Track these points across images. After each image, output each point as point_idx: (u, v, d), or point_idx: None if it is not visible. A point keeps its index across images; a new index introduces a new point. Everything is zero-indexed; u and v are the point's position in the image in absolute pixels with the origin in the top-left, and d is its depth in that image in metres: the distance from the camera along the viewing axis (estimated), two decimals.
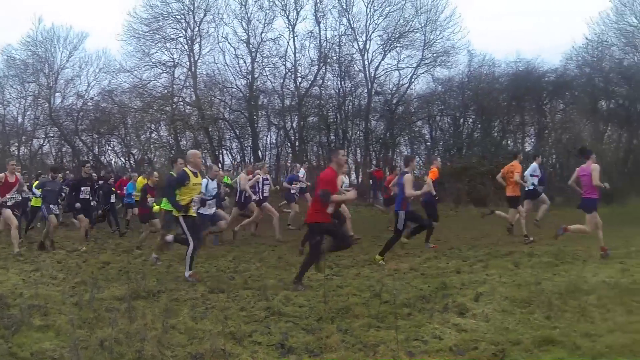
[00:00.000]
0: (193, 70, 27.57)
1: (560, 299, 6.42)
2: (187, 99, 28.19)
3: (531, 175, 12.76)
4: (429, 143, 29.00)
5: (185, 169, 8.52)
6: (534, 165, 13.12)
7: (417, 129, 29.41)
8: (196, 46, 27.74)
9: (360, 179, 27.38)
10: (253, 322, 5.82)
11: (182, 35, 27.41)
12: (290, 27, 27.81)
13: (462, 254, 10.57)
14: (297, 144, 28.31)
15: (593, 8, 65.13)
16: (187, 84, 28.04)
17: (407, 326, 5.51)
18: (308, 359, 4.74)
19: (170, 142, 29.16)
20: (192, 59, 27.61)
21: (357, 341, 5.07)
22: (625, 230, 12.67)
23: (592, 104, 28.21)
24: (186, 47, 27.62)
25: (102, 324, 5.60)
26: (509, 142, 29.19)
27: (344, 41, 28.25)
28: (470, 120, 29.35)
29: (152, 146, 28.89)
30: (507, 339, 5.03)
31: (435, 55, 28.19)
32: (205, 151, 27.92)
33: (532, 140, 29.27)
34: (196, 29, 27.47)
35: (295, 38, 28.03)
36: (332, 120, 29.01)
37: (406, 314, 6.01)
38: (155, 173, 13.61)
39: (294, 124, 28.76)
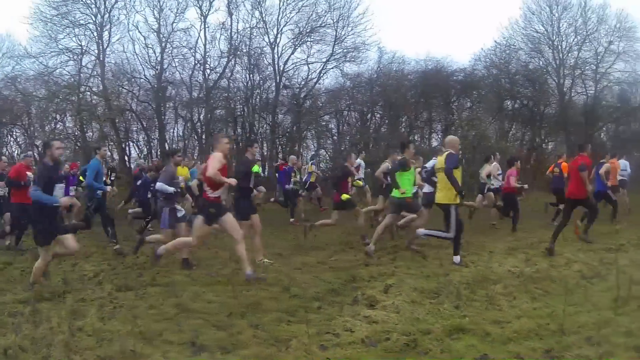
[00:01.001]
0: (101, 58, 26.18)
1: (469, 288, 6.65)
2: (94, 89, 26.81)
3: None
4: (335, 137, 29.26)
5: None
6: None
7: (324, 123, 29.52)
8: (105, 33, 26.27)
9: (267, 173, 27.21)
10: (163, 320, 5.59)
11: (91, 21, 25.92)
12: (202, 17, 27.02)
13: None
14: (204, 136, 27.68)
15: (503, 14, 69.13)
16: (95, 72, 26.59)
17: (318, 320, 5.49)
18: (220, 356, 4.62)
19: (76, 133, 27.62)
20: (100, 47, 26.18)
21: (269, 336, 5.01)
22: (527, 222, 13.31)
23: (498, 104, 29.81)
24: (95, 34, 26.12)
25: (5, 330, 5.20)
26: (416, 137, 29.90)
27: (255, 34, 27.86)
28: (378, 115, 29.87)
29: (56, 137, 27.23)
30: (418, 328, 5.11)
31: (345, 51, 28.38)
32: (112, 143, 26.80)
33: (439, 136, 30.22)
34: (106, 15, 26.01)
35: (207, 29, 27.35)
36: (239, 113, 28.65)
37: (316, 307, 6.00)
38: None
39: (201, 117, 28.17)
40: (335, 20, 27.78)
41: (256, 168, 9.52)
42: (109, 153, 25.40)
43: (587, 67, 31.21)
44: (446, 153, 8.65)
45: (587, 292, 6.34)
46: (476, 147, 24.64)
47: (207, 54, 27.41)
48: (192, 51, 27.27)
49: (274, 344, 4.80)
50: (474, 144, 24.83)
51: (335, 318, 5.53)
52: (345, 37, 28.18)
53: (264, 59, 28.28)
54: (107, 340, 4.89)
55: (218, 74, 27.48)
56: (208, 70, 27.54)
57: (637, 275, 7.02)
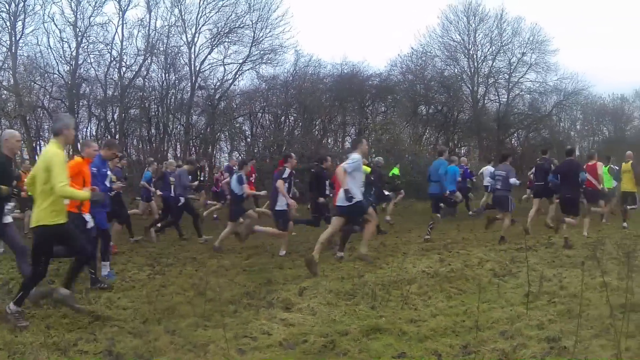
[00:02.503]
0: (13, 50, 24.72)
1: (384, 289, 6.73)
2: (4, 83, 25.19)
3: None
4: (249, 139, 29.13)
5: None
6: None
7: (238, 125, 29.40)
8: (19, 24, 24.71)
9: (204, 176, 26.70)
10: (77, 329, 5.30)
11: (4, 9, 24.25)
12: (120, 12, 26.03)
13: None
14: (117, 136, 26.66)
15: (421, 22, 71.66)
16: (6, 65, 25.06)
17: (234, 324, 5.41)
18: None
19: None
20: (13, 38, 24.63)
21: (186, 342, 4.89)
22: (442, 224, 13.66)
23: (413, 108, 30.78)
24: (8, 23, 24.50)
25: None
26: (329, 140, 30.45)
27: (173, 32, 27.37)
28: (292, 118, 30.05)
29: None
30: (335, 330, 5.14)
31: (262, 52, 28.48)
32: (22, 142, 25.13)
33: (353, 139, 30.73)
34: (21, 4, 24.49)
35: (125, 25, 26.42)
36: (154, 113, 28.04)
37: (232, 311, 5.92)
38: None
39: (115, 116, 27.18)
40: (254, 22, 27.87)
41: None
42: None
43: (500, 76, 33.12)
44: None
45: (500, 290, 6.59)
46: (389, 150, 25.23)
47: (124, 51, 26.69)
48: (108, 47, 26.34)
49: (192, 350, 4.70)
50: (388, 147, 25.44)
51: (251, 321, 5.48)
52: (263, 39, 28.34)
53: (181, 58, 27.98)
54: (20, 354, 4.58)
55: (134, 72, 26.77)
56: (124, 68, 26.80)
57: (546, 272, 7.45)
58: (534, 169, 14.08)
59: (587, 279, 6.66)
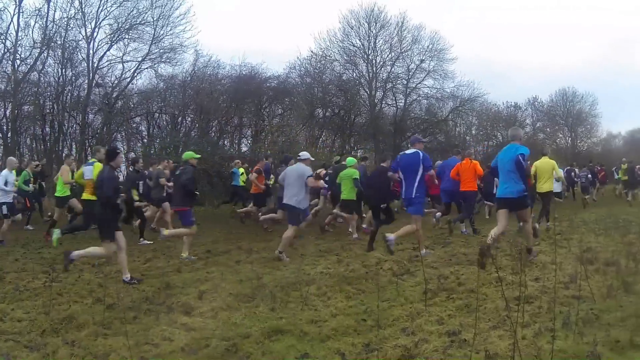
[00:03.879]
0: None
1: (283, 291, 6.76)
2: None
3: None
4: (145, 140, 28.32)
5: None
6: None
7: (134, 125, 28.70)
8: None
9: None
10: None
11: None
12: (16, 0, 24.53)
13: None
14: (9, 135, 25.02)
15: (322, 25, 72.81)
16: None
17: (135, 330, 5.22)
18: None
19: None
20: None
21: (87, 352, 4.67)
22: (341, 225, 14.04)
23: (310, 111, 31.03)
24: None
25: None
26: (225, 142, 30.22)
27: (72, 25, 26.06)
28: (189, 119, 29.60)
29: None
30: (237, 333, 5.09)
31: (162, 51, 27.97)
32: None
33: (249, 141, 30.77)
34: None
35: (21, 14, 24.79)
36: (48, 110, 26.58)
37: (132, 317, 5.69)
38: None
39: (8, 113, 25.43)
40: (155, 19, 27.30)
41: None
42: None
43: (398, 82, 34.40)
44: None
45: (399, 288, 6.72)
46: (285, 152, 25.41)
47: (19, 42, 25.13)
48: (2, 37, 24.67)
49: None
50: (284, 149, 25.59)
51: (152, 327, 5.33)
52: (164, 37, 27.87)
53: (79, 53, 26.78)
54: None
55: (29, 66, 25.29)
56: (18, 61, 25.20)
57: (444, 270, 7.76)
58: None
59: (483, 275, 7.00)
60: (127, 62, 27.73)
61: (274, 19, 62.12)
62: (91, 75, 26.70)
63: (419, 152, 9.30)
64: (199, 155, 10.52)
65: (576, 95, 47.01)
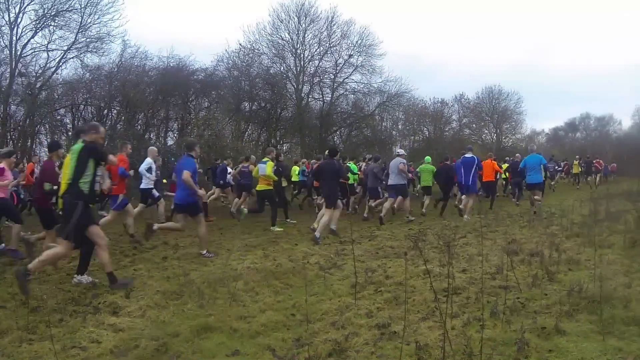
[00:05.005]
0: None
1: (210, 287, 6.61)
2: None
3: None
4: (70, 133, 27.17)
5: None
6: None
7: (59, 117, 27.45)
8: None
9: None
10: None
11: None
12: None
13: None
14: None
15: (251, 18, 72.13)
16: None
17: (61, 334, 4.97)
18: None
19: None
20: None
21: None
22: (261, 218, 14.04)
23: (236, 105, 30.74)
24: None
25: None
26: (152, 135, 29.53)
27: None
28: (115, 111, 28.66)
29: None
30: (166, 332, 4.95)
31: (88, 40, 26.78)
32: None
33: (175, 134, 30.23)
34: None
35: None
36: None
37: (58, 320, 5.40)
38: None
39: None
40: (83, 6, 26.13)
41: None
42: None
43: (326, 76, 34.59)
44: None
45: (327, 282, 6.74)
46: (211, 146, 25.11)
47: None
48: None
49: None
50: (210, 143, 25.30)
51: (79, 330, 5.09)
52: (91, 25, 26.72)
53: (1, 40, 25.26)
54: None
55: None
56: None
57: (371, 264, 7.83)
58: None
59: (410, 267, 7.14)
60: (52, 50, 26.50)
61: (203, 10, 61.14)
62: (14, 63, 25.29)
63: (475, 157, 14.50)
64: None
65: (502, 93, 48.68)
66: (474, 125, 49.11)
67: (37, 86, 26.20)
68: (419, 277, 6.69)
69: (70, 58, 26.96)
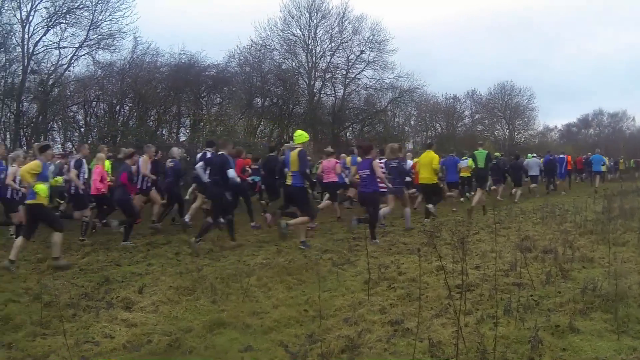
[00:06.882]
0: None
1: (223, 283, 6.65)
2: None
3: None
4: (83, 129, 27.39)
5: None
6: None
7: (71, 113, 27.59)
8: None
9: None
10: None
11: None
12: None
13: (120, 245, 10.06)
14: None
15: (263, 14, 72.27)
16: None
17: (74, 329, 5.03)
18: None
19: None
20: None
21: (25, 355, 4.45)
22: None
23: (248, 100, 30.77)
24: None
25: None
26: (164, 131, 29.61)
27: (5, 7, 24.76)
28: (127, 107, 28.71)
29: None
30: (179, 327, 4.99)
31: (100, 37, 26.89)
32: None
33: (187, 130, 30.25)
34: None
35: None
36: None
37: (71, 315, 5.47)
38: None
39: None
40: (94, 3, 26.24)
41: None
42: None
43: (338, 72, 34.48)
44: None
45: (340, 278, 6.73)
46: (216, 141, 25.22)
47: None
48: None
49: None
50: (222, 139, 25.37)
51: (92, 325, 5.13)
52: (102, 23, 26.81)
53: (13, 37, 25.45)
54: None
55: None
56: None
57: (385, 260, 7.81)
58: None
59: (424, 264, 7.09)
60: (64, 48, 26.58)
61: (215, 6, 61.10)
62: (26, 61, 25.46)
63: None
64: None
65: (514, 89, 48.23)
66: (486, 121, 48.76)
67: (50, 83, 26.35)
68: (432, 274, 6.69)
69: (82, 55, 27.09)
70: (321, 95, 34.56)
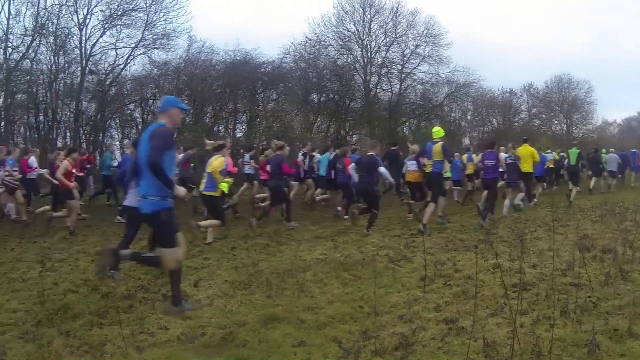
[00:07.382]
0: None
1: (278, 277, 6.70)
2: None
3: None
4: (140, 127, 28.16)
5: None
6: None
7: (128, 112, 28.55)
8: None
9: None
10: None
11: None
12: None
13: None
14: (2, 124, 24.72)
15: (316, 10, 72.60)
16: None
17: (130, 319, 5.18)
18: None
19: None
20: None
21: (82, 343, 4.59)
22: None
23: (304, 96, 30.91)
24: None
25: None
26: (220, 128, 30.08)
27: (64, 12, 25.71)
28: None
29: None
30: (233, 321, 5.05)
31: (155, 37, 27.69)
32: None
33: (244, 127, 30.64)
34: None
35: (12, 1, 24.37)
36: (41, 99, 26.25)
37: (127, 306, 5.63)
38: None
39: (0, 102, 25.05)
40: (148, 5, 27.00)
41: None
42: None
43: (393, 67, 34.18)
44: None
45: (396, 274, 6.70)
46: (280, 138, 25.40)
47: (10, 30, 24.68)
48: None
49: (88, 351, 4.43)
50: (279, 135, 25.58)
51: (148, 316, 5.27)
52: (157, 23, 27.58)
53: (71, 40, 26.47)
54: None
55: (21, 54, 24.92)
56: (10, 49, 24.75)
57: (441, 256, 7.71)
58: None
59: (480, 261, 6.97)
60: (120, 48, 27.48)
61: (268, 3, 61.61)
62: (84, 62, 26.41)
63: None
64: None
65: (571, 82, 46.51)
66: (543, 116, 47.21)
67: (107, 83, 27.27)
68: (488, 272, 6.58)
69: (137, 55, 27.88)
70: (377, 91, 34.35)
